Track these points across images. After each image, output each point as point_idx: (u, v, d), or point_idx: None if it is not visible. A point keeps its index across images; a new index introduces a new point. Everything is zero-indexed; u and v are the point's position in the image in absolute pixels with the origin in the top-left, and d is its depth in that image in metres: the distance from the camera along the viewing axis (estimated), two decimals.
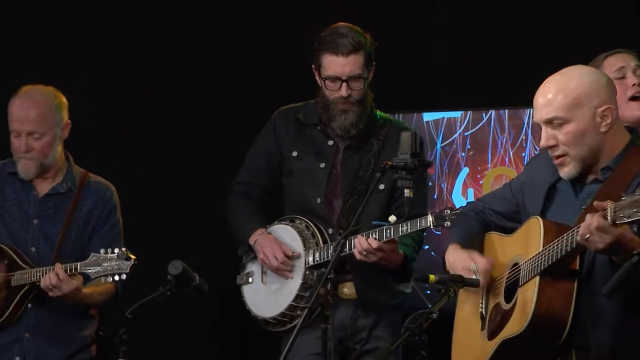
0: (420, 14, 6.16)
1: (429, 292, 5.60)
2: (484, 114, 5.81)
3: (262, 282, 4.74)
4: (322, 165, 4.71)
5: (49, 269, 4.45)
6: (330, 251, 4.58)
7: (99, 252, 4.44)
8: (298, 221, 4.72)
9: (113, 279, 4.46)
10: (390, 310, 4.70)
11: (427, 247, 5.85)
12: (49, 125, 4.58)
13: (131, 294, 4.20)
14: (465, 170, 5.83)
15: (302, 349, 4.60)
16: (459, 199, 5.85)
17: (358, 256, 4.45)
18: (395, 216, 4.41)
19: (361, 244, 4.45)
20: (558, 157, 3.52)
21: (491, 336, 3.64)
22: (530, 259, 3.52)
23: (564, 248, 3.39)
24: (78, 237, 4.60)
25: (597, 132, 3.49)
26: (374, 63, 4.73)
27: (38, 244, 4.61)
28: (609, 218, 3.21)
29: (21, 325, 4.57)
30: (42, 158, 4.60)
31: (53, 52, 5.61)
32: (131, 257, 4.38)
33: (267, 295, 4.71)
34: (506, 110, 5.78)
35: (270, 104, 4.99)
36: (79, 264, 4.46)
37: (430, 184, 5.78)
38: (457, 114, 5.85)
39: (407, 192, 3.96)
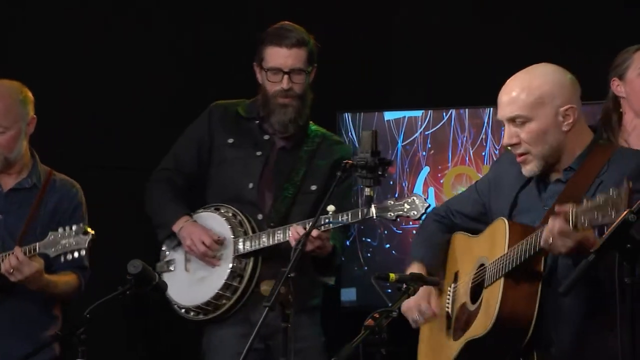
0: (381, 14, 6.17)
1: (389, 290, 5.60)
2: (444, 114, 5.83)
3: (186, 270, 4.69)
4: (259, 153, 4.71)
5: (9, 254, 4.42)
6: (263, 239, 4.57)
7: (57, 231, 4.41)
8: (224, 209, 4.69)
9: (76, 269, 4.46)
10: (312, 309, 4.74)
11: (388, 245, 5.87)
12: (14, 119, 4.55)
13: (90, 294, 4.18)
14: (426, 169, 5.85)
15: (229, 348, 4.60)
16: None
17: (293, 243, 4.45)
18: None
19: (298, 232, 4.45)
20: (520, 155, 3.54)
21: (456, 336, 3.66)
22: (496, 260, 3.54)
23: (527, 251, 3.42)
24: (43, 233, 4.57)
25: (559, 132, 3.51)
26: (316, 65, 4.74)
27: (3, 239, 4.58)
28: (570, 223, 3.23)
29: None
30: (6, 152, 4.57)
31: (14, 50, 5.58)
32: (89, 232, 4.34)
33: (190, 284, 4.67)
34: (466, 110, 5.81)
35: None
36: (37, 244, 4.43)
37: (391, 182, 5.80)
38: (418, 113, 5.87)
39: (367, 191, 3.97)
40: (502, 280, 3.48)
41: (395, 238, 5.85)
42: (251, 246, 4.62)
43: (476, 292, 3.64)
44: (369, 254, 5.88)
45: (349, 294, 5.87)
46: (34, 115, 4.62)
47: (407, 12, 6.18)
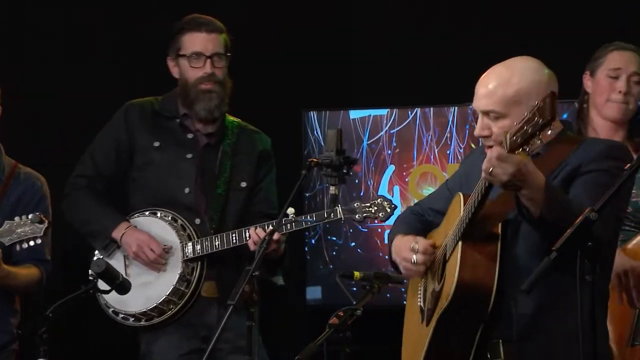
0: (348, 12, 6.17)
1: (354, 289, 5.61)
2: (409, 112, 5.84)
3: (126, 275, 4.59)
4: (189, 155, 4.67)
5: None
6: (216, 243, 4.55)
7: (13, 220, 4.37)
8: (162, 213, 4.65)
9: (37, 262, 4.44)
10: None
11: (353, 244, 5.87)
12: None
13: (53, 293, 4.15)
14: (391, 168, 5.86)
15: (170, 353, 4.57)
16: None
17: (252, 247, 4.43)
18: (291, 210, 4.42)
19: (259, 235, 4.44)
20: (490, 147, 3.55)
21: (428, 321, 3.66)
22: (453, 229, 3.55)
23: (476, 199, 3.43)
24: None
25: None
26: (230, 54, 4.71)
27: None
28: (506, 145, 3.25)
29: None
30: None
31: None
32: (45, 220, 4.29)
33: (132, 289, 4.63)
34: (431, 109, 5.82)
35: None
36: None
37: (356, 181, 5.80)
38: (383, 112, 5.88)
39: (332, 190, 3.98)
40: (460, 243, 3.48)
41: (361, 236, 5.85)
42: (202, 250, 4.58)
43: (442, 272, 3.65)
44: (334, 253, 5.88)
45: (314, 293, 5.87)
46: None
47: (372, 10, 6.19)
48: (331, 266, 5.85)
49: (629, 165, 3.16)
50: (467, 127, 5.76)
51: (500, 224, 3.49)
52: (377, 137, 5.87)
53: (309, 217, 4.47)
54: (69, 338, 5.35)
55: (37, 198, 4.61)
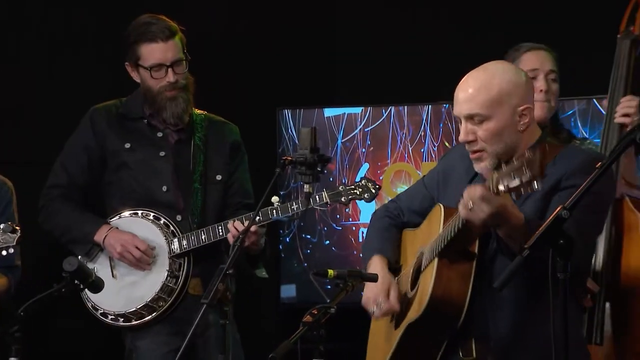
0: (321, 11, 6.18)
1: (329, 287, 5.62)
2: (383, 110, 5.85)
3: (113, 277, 4.61)
4: (162, 154, 4.68)
5: None
6: (202, 237, 4.56)
7: None
8: (144, 213, 4.65)
9: (5, 269, 4.42)
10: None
11: (327, 242, 5.88)
12: None
13: (25, 292, 4.12)
14: (365, 166, 5.87)
15: (159, 349, 4.57)
16: None
17: (232, 240, 4.44)
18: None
19: (237, 228, 4.45)
20: (475, 152, 3.56)
21: (398, 324, 3.68)
22: (431, 243, 3.57)
23: (457, 225, 3.44)
24: None
25: (515, 131, 3.53)
26: (188, 57, 4.70)
27: None
28: (491, 187, 3.27)
29: None
30: None
31: None
32: (17, 229, 4.26)
33: (119, 290, 4.61)
34: (405, 107, 5.84)
35: None
36: None
37: (331, 179, 5.81)
38: (358, 110, 5.89)
39: (306, 188, 3.97)
40: (435, 260, 3.52)
41: (335, 234, 5.86)
42: (189, 245, 4.59)
43: (416, 279, 3.67)
44: (308, 251, 5.89)
45: (288, 291, 5.87)
46: None
47: (348, 9, 6.19)
48: (305, 264, 5.86)
49: (599, 163, 3.18)
50: (441, 125, 5.77)
51: (477, 242, 3.52)
52: (351, 135, 5.88)
53: (294, 204, 4.48)
54: (44, 338, 5.34)
55: (4, 203, 4.60)
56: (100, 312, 4.63)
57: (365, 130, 5.87)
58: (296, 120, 5.90)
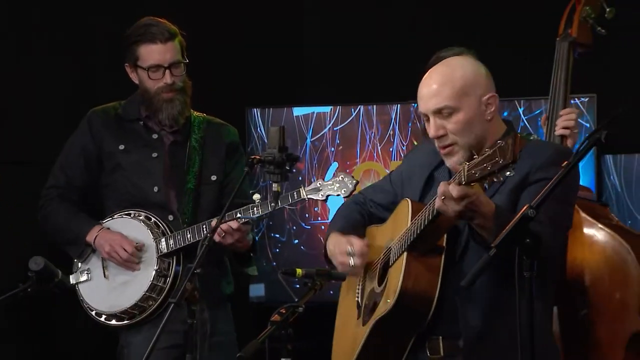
0: (290, 10, 6.18)
1: (297, 286, 5.62)
2: (352, 109, 5.86)
3: (105, 277, 4.65)
4: (155, 155, 4.70)
5: None
6: (188, 236, 4.57)
7: None
8: (135, 213, 4.67)
9: None
10: (224, 302, 4.75)
11: (296, 241, 5.88)
12: None
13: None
14: (334, 165, 5.87)
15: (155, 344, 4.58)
16: None
17: (217, 239, 4.45)
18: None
19: (232, 227, 4.46)
20: (446, 146, 3.56)
21: (365, 321, 3.68)
22: (399, 237, 3.57)
23: (426, 218, 3.45)
24: None
25: (483, 121, 3.55)
26: (186, 60, 4.72)
27: None
28: (463, 177, 3.27)
29: None
30: None
31: None
32: None
33: (111, 290, 4.63)
34: (374, 106, 5.85)
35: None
36: None
37: (300, 178, 5.81)
38: (327, 109, 5.89)
39: (275, 187, 3.97)
40: (405, 254, 3.51)
41: (304, 233, 5.86)
42: (175, 244, 4.60)
43: (384, 275, 3.67)
44: (277, 250, 5.89)
45: (257, 290, 5.87)
46: None
47: (317, 8, 6.20)
48: (274, 263, 5.86)
49: (565, 162, 3.19)
50: (410, 124, 5.79)
51: (446, 236, 3.52)
52: (320, 134, 5.88)
53: (272, 202, 4.47)
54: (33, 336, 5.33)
55: None
56: (94, 312, 4.66)
57: (334, 129, 5.87)
58: (265, 120, 5.90)
